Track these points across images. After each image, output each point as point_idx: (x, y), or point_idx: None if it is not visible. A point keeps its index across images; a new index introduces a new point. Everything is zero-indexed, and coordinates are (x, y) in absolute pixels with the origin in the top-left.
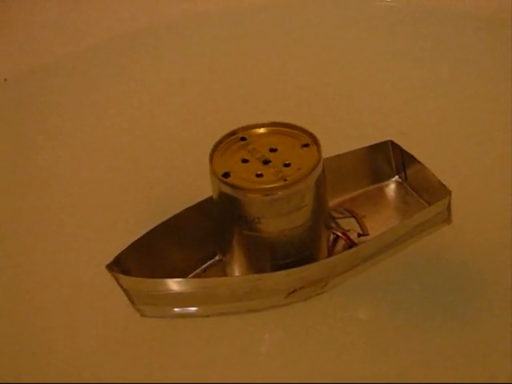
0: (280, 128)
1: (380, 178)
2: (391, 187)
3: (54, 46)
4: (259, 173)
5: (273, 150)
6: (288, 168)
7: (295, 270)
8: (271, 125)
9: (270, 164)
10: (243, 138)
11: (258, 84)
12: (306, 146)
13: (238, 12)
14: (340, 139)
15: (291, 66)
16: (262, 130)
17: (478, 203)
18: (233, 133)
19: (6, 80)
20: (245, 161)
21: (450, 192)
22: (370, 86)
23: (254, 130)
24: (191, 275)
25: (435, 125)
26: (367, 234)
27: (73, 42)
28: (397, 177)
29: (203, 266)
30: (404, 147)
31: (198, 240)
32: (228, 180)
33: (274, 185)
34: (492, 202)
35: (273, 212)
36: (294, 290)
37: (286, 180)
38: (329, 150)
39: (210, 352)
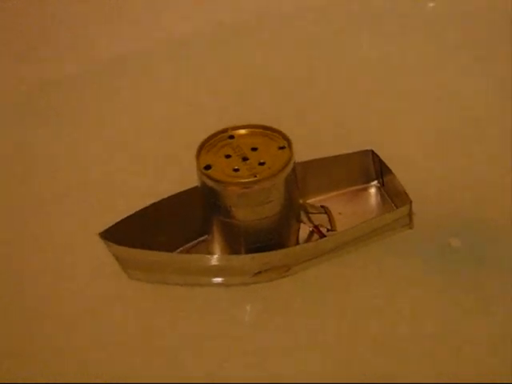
0: (263, 130)
1: (361, 181)
2: (370, 191)
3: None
4: (236, 168)
5: (254, 149)
6: (261, 166)
7: (259, 254)
8: (256, 127)
9: (248, 161)
10: (231, 137)
11: (255, 92)
12: (282, 148)
13: (230, 28)
14: (329, 145)
15: (290, 77)
16: (248, 131)
17: (441, 211)
18: (223, 130)
19: None
20: (228, 156)
21: (410, 201)
22: (360, 97)
23: (241, 130)
24: (179, 249)
25: (416, 137)
26: (335, 230)
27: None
28: (376, 182)
29: (192, 243)
30: (384, 155)
31: (190, 220)
32: (207, 172)
33: (245, 180)
34: (454, 211)
35: (243, 203)
36: (260, 272)
37: (255, 177)
38: (318, 152)
39: (182, 315)
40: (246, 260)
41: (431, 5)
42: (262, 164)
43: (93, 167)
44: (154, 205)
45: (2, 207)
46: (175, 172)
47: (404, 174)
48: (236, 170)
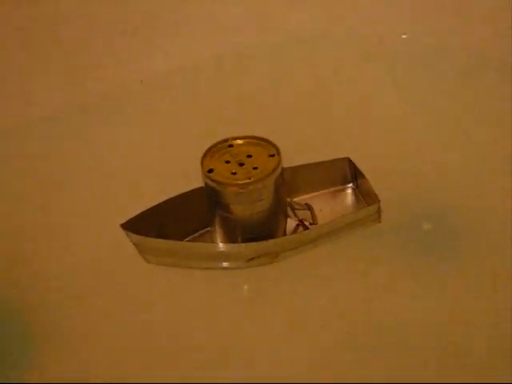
0: (257, 141)
1: (339, 183)
2: (346, 191)
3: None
4: (234, 171)
5: (249, 156)
6: (255, 171)
7: (252, 243)
8: (251, 138)
9: (244, 166)
10: (231, 145)
11: (252, 110)
12: (273, 155)
13: (229, 57)
14: (313, 153)
15: (281, 97)
16: (244, 141)
17: (405, 210)
18: (225, 140)
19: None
20: (227, 162)
21: (379, 201)
22: (340, 114)
23: (239, 140)
24: (188, 238)
25: (387, 147)
26: (316, 223)
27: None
28: (351, 184)
29: (199, 233)
30: (359, 161)
31: (197, 214)
32: (210, 175)
33: (241, 182)
34: (417, 210)
35: (238, 201)
36: (253, 258)
37: (250, 179)
38: (304, 159)
39: (189, 292)
40: (241, 248)
41: (404, 36)
42: (255, 168)
43: (119, 172)
44: (166, 201)
45: (40, 201)
46: (185, 174)
47: (376, 177)
48: (234, 174)
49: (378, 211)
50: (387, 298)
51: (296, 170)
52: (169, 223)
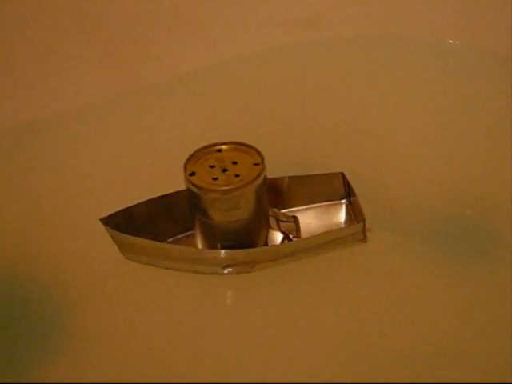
0: (245, 148)
1: (334, 198)
2: (338, 207)
3: None
4: (215, 177)
5: (234, 163)
6: (236, 178)
7: (227, 251)
8: (240, 144)
9: (227, 173)
10: (219, 150)
11: (247, 119)
12: (257, 164)
13: (225, 65)
14: (310, 165)
15: (280, 105)
16: (232, 147)
17: (396, 231)
18: (213, 145)
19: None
20: (212, 166)
21: (364, 219)
22: (338, 128)
23: (228, 146)
24: (172, 239)
25: (384, 163)
26: (299, 237)
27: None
28: (345, 200)
29: (182, 235)
30: (357, 177)
31: (182, 216)
32: (191, 178)
33: (219, 188)
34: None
35: (215, 207)
36: (229, 265)
37: (228, 186)
38: (299, 171)
39: (162, 292)
40: (216, 254)
41: (450, 41)
42: (237, 176)
43: (111, 170)
44: (149, 201)
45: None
46: (175, 176)
47: (371, 195)
48: (215, 179)
49: (363, 230)
50: (363, 314)
51: (292, 180)
52: (154, 222)
